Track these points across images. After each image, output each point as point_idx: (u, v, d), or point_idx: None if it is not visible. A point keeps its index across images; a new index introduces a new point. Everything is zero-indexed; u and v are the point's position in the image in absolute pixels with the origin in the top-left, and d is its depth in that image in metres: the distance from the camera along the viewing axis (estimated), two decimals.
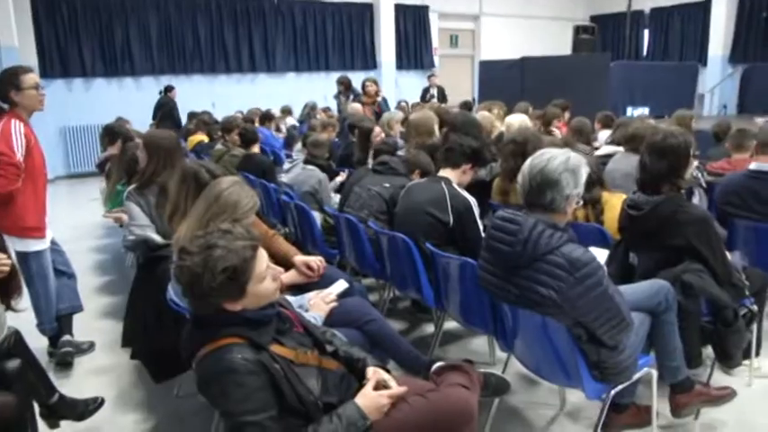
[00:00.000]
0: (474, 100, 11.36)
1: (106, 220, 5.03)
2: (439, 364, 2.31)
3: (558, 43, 15.07)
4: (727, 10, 14.25)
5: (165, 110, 10.79)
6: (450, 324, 3.64)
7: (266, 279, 1.82)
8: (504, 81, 11.28)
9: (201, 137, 7.76)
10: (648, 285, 2.59)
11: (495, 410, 2.84)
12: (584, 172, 2.20)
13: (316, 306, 2.60)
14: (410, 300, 4.24)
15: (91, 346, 3.89)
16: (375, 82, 9.28)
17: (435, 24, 15.72)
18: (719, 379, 3.20)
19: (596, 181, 3.39)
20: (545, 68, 10.78)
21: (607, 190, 3.55)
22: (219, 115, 8.87)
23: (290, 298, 2.66)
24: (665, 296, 2.55)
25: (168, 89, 11.21)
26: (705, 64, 14.28)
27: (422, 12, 15.42)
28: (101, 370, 3.67)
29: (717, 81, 13.70)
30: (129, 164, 4.19)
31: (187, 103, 10.92)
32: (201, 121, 8.36)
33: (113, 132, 5.77)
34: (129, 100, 11.48)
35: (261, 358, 1.74)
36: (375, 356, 2.22)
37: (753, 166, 3.39)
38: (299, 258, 3.04)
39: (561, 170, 2.14)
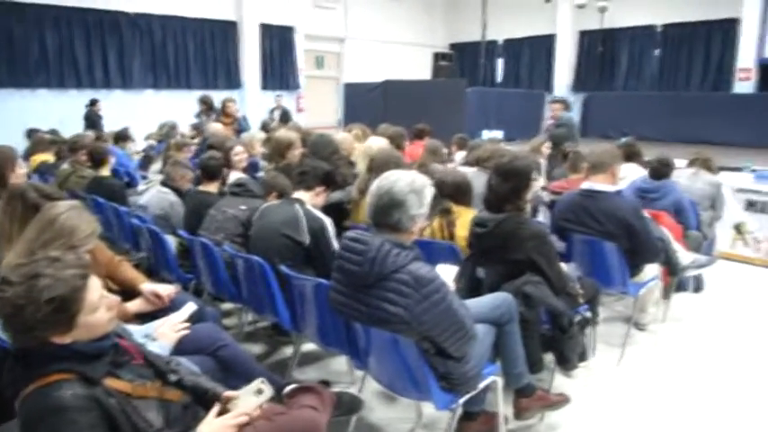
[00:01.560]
0: (339, 122, 11.52)
1: None
2: (291, 386, 2.29)
3: (419, 68, 15.72)
4: (569, 44, 15.64)
5: (87, 123, 10.70)
6: (311, 345, 3.63)
7: (99, 309, 1.71)
8: (368, 103, 11.55)
9: (46, 156, 7.18)
10: (492, 298, 2.74)
11: (354, 429, 2.86)
12: (429, 193, 2.30)
13: (163, 334, 2.48)
14: (270, 322, 4.17)
15: None
16: (234, 101, 9.15)
17: (301, 45, 15.80)
18: (561, 381, 3.45)
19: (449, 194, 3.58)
20: (407, 92, 11.18)
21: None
22: (69, 133, 8.28)
23: (135, 327, 2.52)
24: (508, 307, 2.71)
25: (93, 102, 11.18)
26: (552, 92, 15.51)
27: (287, 32, 15.45)
28: None
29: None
30: None
31: (30, 120, 10.11)
32: (41, 139, 7.76)
33: None
34: None
35: (94, 393, 1.63)
36: (229, 383, 2.15)
37: (585, 185, 3.70)
38: (147, 286, 2.89)
39: (407, 191, 2.22)
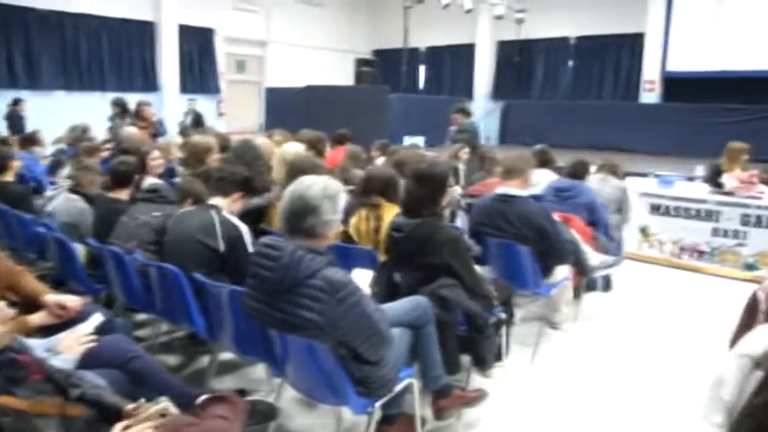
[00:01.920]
0: (261, 126, 11.38)
1: None
2: (204, 396, 2.24)
3: (342, 74, 15.75)
4: (488, 54, 16.09)
5: (8, 124, 10.46)
6: (229, 354, 3.56)
7: None
8: (290, 108, 11.46)
9: None
10: (409, 302, 2.78)
11: None
12: (343, 198, 2.31)
13: (68, 348, 2.37)
14: (186, 332, 4.06)
15: None
16: (150, 105, 8.85)
17: (222, 48, 15.50)
18: (478, 381, 3.53)
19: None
20: (329, 97, 11.17)
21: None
22: None
23: (38, 341, 2.40)
24: (424, 311, 2.76)
25: (16, 102, 10.84)
26: (472, 99, 15.90)
27: (207, 35, 15.12)
28: None
29: (482, 115, 15.34)
30: None
31: None
32: None
33: None
34: None
35: None
36: (140, 395, 2.08)
37: (499, 190, 3.82)
38: (51, 297, 2.75)
39: (321, 197, 2.22)
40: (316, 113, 10.56)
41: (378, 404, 2.47)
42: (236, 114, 13.00)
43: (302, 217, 2.21)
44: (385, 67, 17.56)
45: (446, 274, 2.93)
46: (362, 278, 2.63)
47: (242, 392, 2.88)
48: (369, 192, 3.61)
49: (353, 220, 3.61)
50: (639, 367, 3.91)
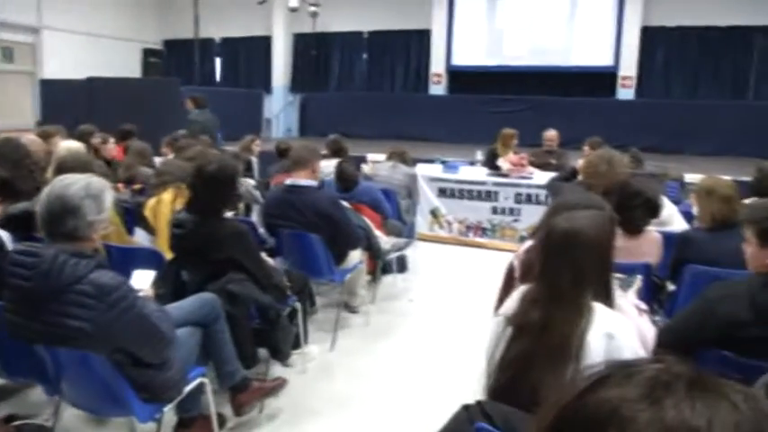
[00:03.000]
0: (37, 122, 10.23)
1: None
2: None
3: (129, 65, 14.72)
4: (285, 46, 16.06)
5: None
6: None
7: None
8: (71, 102, 10.43)
9: None
10: (195, 299, 2.71)
11: None
12: (109, 197, 2.16)
13: None
14: None
15: None
16: None
17: None
18: (278, 371, 3.54)
19: None
20: (115, 90, 10.39)
21: None
22: None
23: None
24: (212, 307, 2.70)
25: None
26: (270, 92, 15.78)
27: None
28: None
29: (281, 107, 15.31)
30: None
31: None
32: None
33: None
34: None
35: None
36: None
37: (288, 181, 3.85)
38: None
39: (82, 196, 2.06)
40: (100, 108, 9.75)
41: (166, 408, 2.37)
42: (3, 110, 11.46)
43: (62, 219, 2.03)
44: (178, 59, 16.75)
45: (234, 269, 2.89)
46: (143, 279, 2.51)
47: (11, 418, 2.60)
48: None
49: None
50: (434, 339, 4.19)
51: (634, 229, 2.87)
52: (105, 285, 2.01)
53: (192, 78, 14.19)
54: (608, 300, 1.74)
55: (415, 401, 3.30)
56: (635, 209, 2.66)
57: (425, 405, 3.22)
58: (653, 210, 3.01)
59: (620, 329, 1.65)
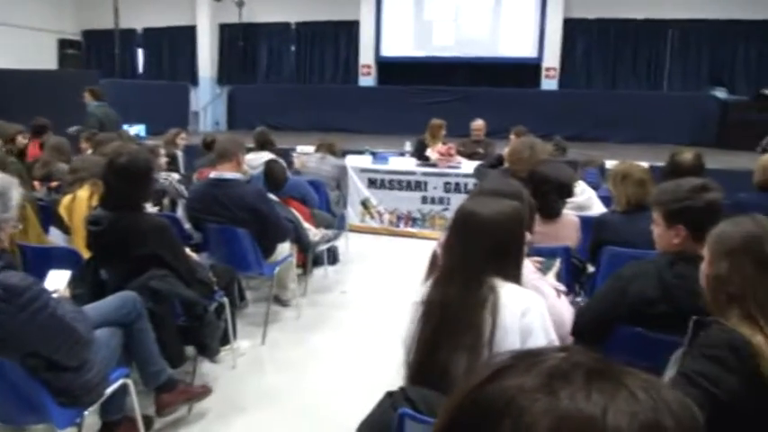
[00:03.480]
0: None
1: None
2: None
3: (44, 57, 14.00)
4: (210, 36, 15.66)
5: None
6: None
7: None
8: None
9: None
10: (115, 298, 2.62)
11: None
12: (16, 195, 2.06)
13: None
14: None
15: None
16: None
17: None
18: (208, 368, 3.49)
19: None
20: (27, 83, 9.88)
21: None
22: None
23: None
24: (133, 306, 2.62)
25: None
26: (197, 84, 15.37)
27: None
28: None
29: (208, 100, 14.93)
30: None
31: None
32: None
33: None
34: None
35: None
36: None
37: (213, 174, 3.77)
38: None
39: None
40: (10, 101, 9.24)
41: (87, 412, 2.29)
42: None
43: None
44: (98, 51, 16.08)
45: (156, 265, 2.81)
46: (58, 279, 2.41)
47: None
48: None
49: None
50: (366, 329, 4.19)
51: (550, 213, 2.96)
52: (15, 287, 1.92)
53: (112, 71, 13.65)
54: (519, 284, 1.81)
55: (347, 392, 3.30)
56: (547, 194, 2.75)
57: (356, 395, 3.20)
58: (564, 192, 3.11)
59: (530, 307, 1.71)
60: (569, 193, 3.17)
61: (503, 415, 0.54)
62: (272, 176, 4.63)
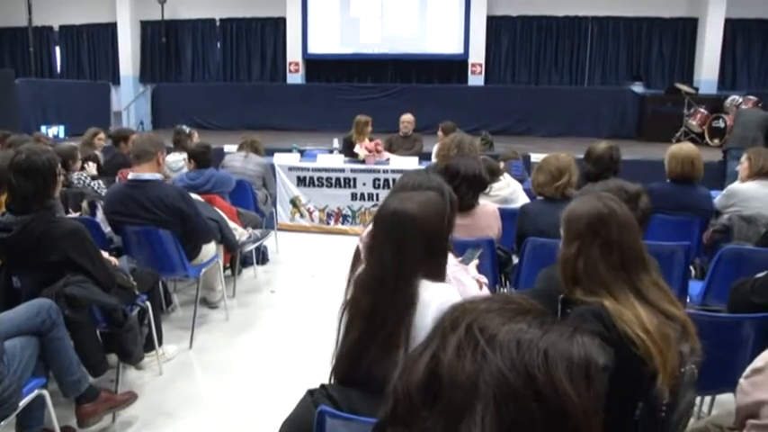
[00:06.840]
0: None
1: None
2: None
3: None
4: (131, 34, 15.15)
5: None
6: None
7: None
8: None
9: None
10: (27, 307, 2.52)
11: None
12: None
13: None
14: None
15: None
16: None
17: None
18: (133, 375, 3.41)
19: None
20: None
21: None
22: None
23: None
24: (48, 313, 2.52)
25: None
26: (118, 83, 14.86)
27: None
28: None
29: (131, 99, 14.44)
30: None
31: None
32: None
33: None
34: None
35: None
36: None
37: (131, 175, 3.66)
38: None
39: None
40: None
41: (1, 426, 2.20)
42: None
43: None
44: (11, 49, 15.32)
45: (72, 271, 2.72)
46: None
47: None
48: None
49: None
50: (296, 329, 4.17)
51: (465, 206, 3.02)
52: None
53: (27, 70, 13.04)
54: (441, 280, 1.82)
55: (274, 392, 3.25)
56: (458, 187, 2.81)
57: (284, 395, 3.18)
58: (476, 184, 3.19)
59: (450, 301, 1.74)
60: (482, 185, 3.26)
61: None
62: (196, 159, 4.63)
